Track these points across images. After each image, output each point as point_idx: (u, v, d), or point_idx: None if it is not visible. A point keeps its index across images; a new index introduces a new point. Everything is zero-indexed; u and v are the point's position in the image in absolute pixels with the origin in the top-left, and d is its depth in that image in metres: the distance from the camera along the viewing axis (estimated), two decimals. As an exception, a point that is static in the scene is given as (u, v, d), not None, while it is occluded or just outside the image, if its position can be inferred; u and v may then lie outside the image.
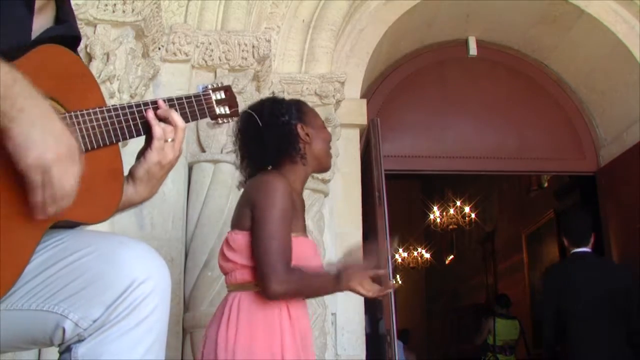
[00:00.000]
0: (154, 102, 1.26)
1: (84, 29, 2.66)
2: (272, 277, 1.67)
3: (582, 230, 3.61)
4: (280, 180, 1.78)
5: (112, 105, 1.19)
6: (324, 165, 2.00)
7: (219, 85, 1.42)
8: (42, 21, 1.20)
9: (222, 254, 1.84)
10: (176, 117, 1.26)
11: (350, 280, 1.76)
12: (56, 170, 0.97)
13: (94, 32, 2.69)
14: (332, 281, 1.76)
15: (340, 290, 1.80)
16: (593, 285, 3.47)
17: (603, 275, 3.54)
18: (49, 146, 0.96)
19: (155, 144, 1.24)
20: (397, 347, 3.42)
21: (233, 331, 1.71)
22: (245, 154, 1.95)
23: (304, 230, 1.91)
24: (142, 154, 1.28)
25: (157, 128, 1.23)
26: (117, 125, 1.18)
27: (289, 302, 1.77)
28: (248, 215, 1.77)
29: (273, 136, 1.87)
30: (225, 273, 1.85)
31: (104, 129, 1.16)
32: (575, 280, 3.53)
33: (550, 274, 3.86)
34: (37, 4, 1.18)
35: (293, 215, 1.79)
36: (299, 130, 1.91)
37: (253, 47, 3.14)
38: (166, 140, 1.25)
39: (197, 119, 1.36)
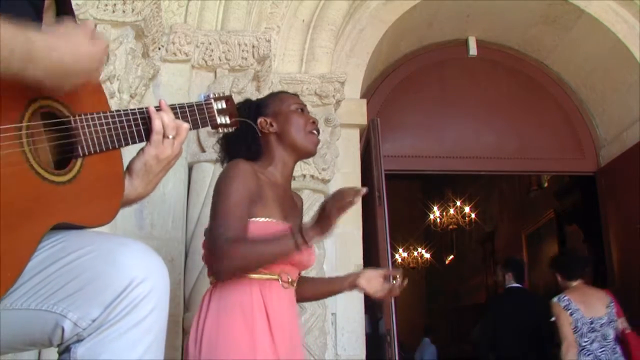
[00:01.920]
0: (157, 107, 1.27)
1: (84, 29, 2.66)
2: (216, 254, 1.63)
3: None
4: (240, 164, 1.75)
5: (116, 111, 1.20)
6: (302, 148, 1.91)
7: (221, 94, 1.43)
8: (48, 17, 1.21)
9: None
10: (180, 120, 1.28)
11: (310, 238, 1.64)
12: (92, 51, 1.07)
13: (94, 32, 2.68)
14: (288, 240, 1.64)
15: (299, 246, 1.64)
16: (520, 313, 4.50)
17: (528, 306, 4.54)
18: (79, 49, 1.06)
19: (154, 137, 1.25)
20: (424, 343, 3.88)
21: (202, 323, 1.70)
22: (224, 150, 1.96)
23: (282, 217, 1.81)
24: (140, 150, 1.29)
25: (157, 122, 1.24)
26: (120, 131, 1.19)
27: (263, 288, 1.71)
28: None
29: (235, 141, 1.88)
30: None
31: (107, 133, 1.17)
32: (507, 309, 4.63)
33: (491, 302, 5.19)
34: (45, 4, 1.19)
35: (258, 198, 1.74)
36: (260, 124, 1.89)
37: (253, 47, 3.14)
38: (167, 137, 1.25)
39: (198, 127, 1.37)
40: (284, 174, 1.91)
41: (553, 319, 3.77)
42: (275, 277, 1.75)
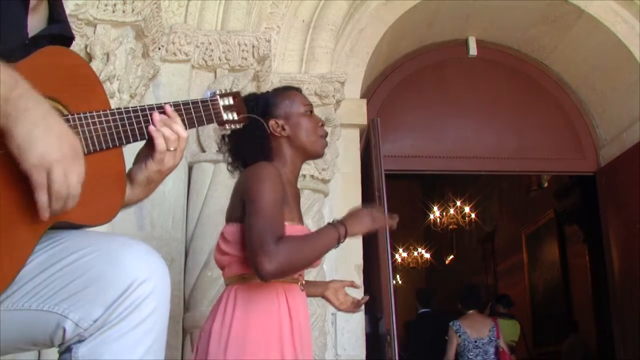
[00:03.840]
0: (160, 107, 1.25)
1: (84, 29, 2.66)
2: (262, 256, 1.59)
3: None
4: (268, 167, 1.76)
5: (116, 109, 1.19)
6: (312, 153, 1.93)
7: (227, 91, 1.41)
8: (35, 20, 1.21)
9: (218, 248, 1.82)
10: (179, 127, 1.25)
11: (353, 224, 1.68)
12: (60, 170, 0.97)
13: (94, 32, 2.68)
14: (330, 230, 1.67)
15: (341, 236, 1.67)
16: (430, 332, 5.69)
17: (436, 327, 5.57)
18: (52, 146, 0.97)
19: (157, 156, 1.24)
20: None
21: (228, 323, 1.69)
22: (233, 155, 1.94)
23: (300, 220, 1.87)
24: (141, 159, 1.28)
25: (160, 140, 1.23)
26: (120, 129, 1.18)
27: (287, 292, 1.74)
28: (239, 206, 1.75)
29: (245, 140, 1.85)
30: (222, 267, 1.83)
31: (107, 132, 1.15)
32: (421, 329, 5.99)
33: (412, 324, 6.45)
34: (31, 4, 1.19)
35: (285, 202, 1.74)
36: (272, 127, 1.88)
37: (253, 47, 3.14)
38: (168, 150, 1.24)
39: (203, 125, 1.34)
40: (294, 174, 1.92)
41: (447, 337, 4.97)
42: (296, 280, 1.79)
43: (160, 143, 1.23)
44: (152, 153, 1.24)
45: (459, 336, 4.85)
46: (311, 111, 1.96)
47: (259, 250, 1.60)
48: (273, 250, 1.58)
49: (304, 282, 1.84)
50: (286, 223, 1.74)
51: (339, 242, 1.68)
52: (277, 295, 1.73)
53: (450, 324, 4.93)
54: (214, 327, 1.71)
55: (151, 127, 1.22)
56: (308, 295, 2.20)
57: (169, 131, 1.24)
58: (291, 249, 1.62)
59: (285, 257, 1.60)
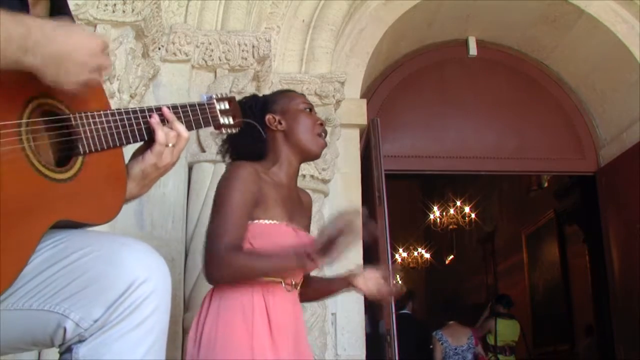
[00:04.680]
0: (159, 109, 1.26)
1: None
2: (211, 260, 1.61)
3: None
4: (241, 167, 1.73)
5: (116, 109, 1.20)
6: (307, 151, 1.87)
7: (224, 95, 1.43)
8: (37, 13, 1.21)
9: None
10: (180, 126, 1.26)
11: (318, 260, 1.60)
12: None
13: (94, 32, 2.69)
14: (290, 258, 1.62)
15: (305, 267, 1.65)
16: (410, 332, 5.84)
17: (412, 326, 6.20)
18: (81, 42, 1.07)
19: (157, 148, 1.24)
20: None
21: (202, 323, 1.69)
22: (232, 157, 1.92)
23: (290, 220, 1.80)
24: (139, 152, 1.29)
25: (161, 133, 1.24)
26: (121, 129, 1.18)
27: (266, 291, 1.70)
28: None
29: (243, 142, 1.84)
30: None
31: (108, 132, 1.16)
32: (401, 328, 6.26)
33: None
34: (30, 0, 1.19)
35: (260, 202, 1.71)
36: (269, 120, 1.85)
37: (253, 47, 3.14)
38: (167, 145, 1.25)
39: (200, 128, 1.36)
40: (289, 173, 1.87)
41: (432, 346, 5.65)
42: (279, 280, 1.74)
43: (160, 135, 1.24)
44: (151, 146, 1.25)
45: (442, 344, 5.54)
46: (311, 109, 1.93)
47: (209, 254, 1.61)
48: (222, 258, 1.60)
49: (292, 282, 1.78)
50: (267, 221, 1.72)
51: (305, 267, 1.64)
52: (253, 294, 1.69)
53: (434, 333, 5.65)
54: (191, 328, 1.72)
55: (152, 120, 1.23)
56: (326, 295, 2.15)
57: (168, 127, 1.25)
58: (241, 264, 1.62)
59: (232, 269, 1.61)
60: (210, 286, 2.79)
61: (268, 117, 1.86)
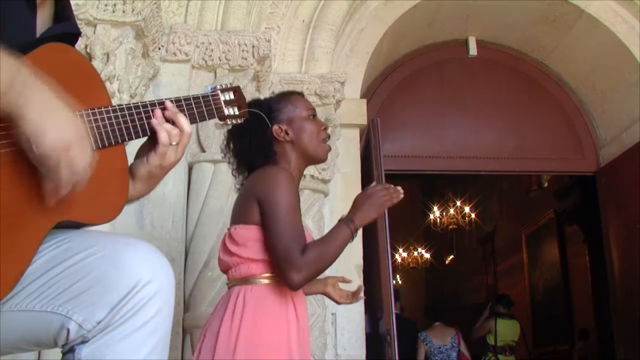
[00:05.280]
0: (161, 103, 1.24)
1: (84, 29, 2.65)
2: (291, 269, 1.67)
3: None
4: (284, 171, 1.79)
5: (118, 105, 1.18)
6: (314, 157, 1.94)
7: (228, 85, 1.41)
8: (41, 18, 1.20)
9: (225, 249, 1.82)
10: (183, 121, 1.24)
11: (361, 218, 1.76)
12: (74, 152, 0.98)
13: (94, 32, 2.68)
14: (343, 228, 1.75)
15: (353, 232, 1.76)
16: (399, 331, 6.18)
17: (402, 325, 6.03)
18: (65, 128, 0.98)
19: (160, 149, 1.23)
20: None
21: (237, 324, 1.69)
22: (238, 158, 1.95)
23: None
24: (143, 153, 1.27)
25: (163, 133, 1.22)
26: (123, 125, 1.17)
27: (294, 297, 1.76)
28: (254, 209, 1.75)
29: (250, 145, 1.88)
30: (228, 268, 1.83)
31: (109, 128, 1.15)
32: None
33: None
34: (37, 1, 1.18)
35: (298, 206, 1.79)
36: (276, 132, 1.89)
37: (253, 47, 3.14)
38: (170, 144, 1.23)
39: (205, 120, 1.34)
40: (298, 179, 1.94)
41: (417, 346, 5.98)
42: None
43: (163, 136, 1.22)
44: (154, 147, 1.23)
45: (426, 344, 5.94)
46: (314, 115, 1.97)
47: (287, 264, 1.67)
48: (300, 263, 1.67)
49: None
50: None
51: (352, 237, 1.76)
52: (286, 298, 1.75)
53: (419, 334, 6.04)
54: (222, 329, 1.71)
55: (153, 121, 1.22)
56: (309, 293, 2.23)
57: (170, 126, 1.23)
58: (315, 257, 1.69)
59: (311, 267, 1.69)
60: (210, 286, 2.81)
61: (275, 128, 1.89)
